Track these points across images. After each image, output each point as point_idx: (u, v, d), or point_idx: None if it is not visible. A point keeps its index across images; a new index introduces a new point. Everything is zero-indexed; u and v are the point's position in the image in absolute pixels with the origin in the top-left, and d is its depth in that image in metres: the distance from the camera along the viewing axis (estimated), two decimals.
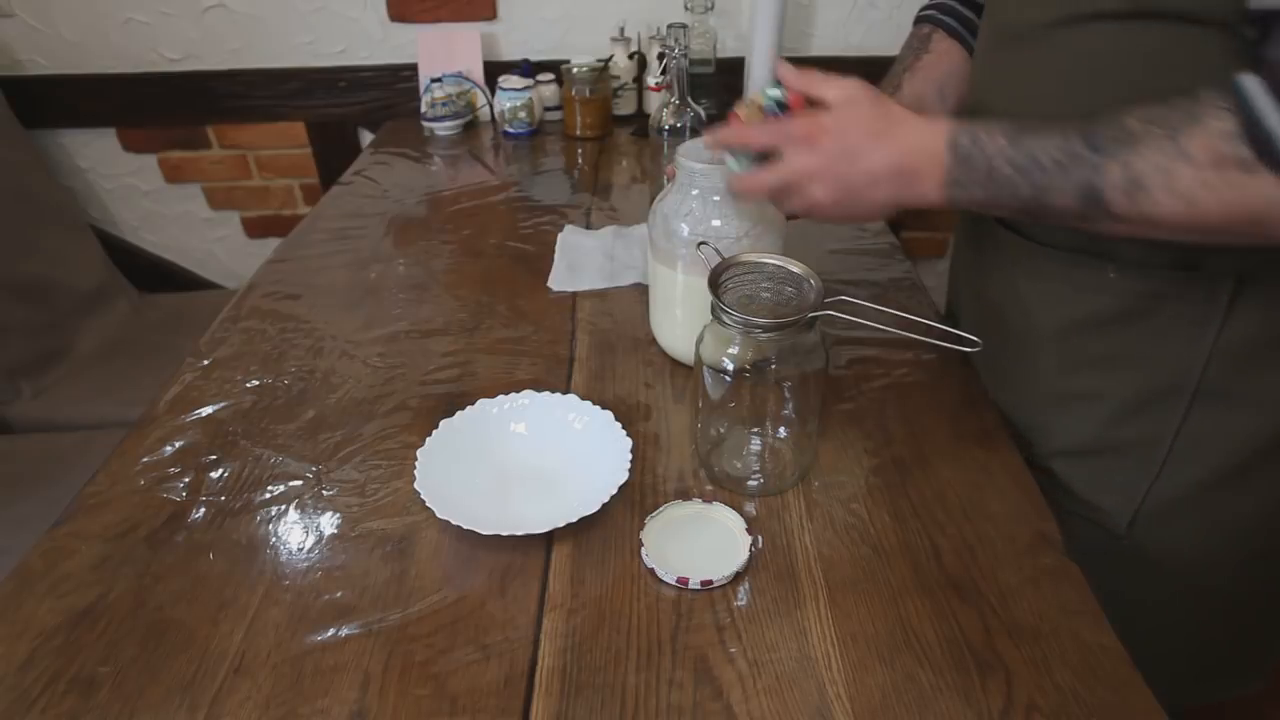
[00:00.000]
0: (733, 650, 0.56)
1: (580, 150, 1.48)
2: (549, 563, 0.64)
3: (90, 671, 0.56)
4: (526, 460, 0.73)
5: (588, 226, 1.18)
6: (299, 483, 0.72)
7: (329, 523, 0.68)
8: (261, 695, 0.54)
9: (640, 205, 1.24)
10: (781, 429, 0.73)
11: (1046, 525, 0.66)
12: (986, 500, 0.68)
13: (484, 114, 1.59)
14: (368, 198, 1.29)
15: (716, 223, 0.74)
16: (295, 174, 1.79)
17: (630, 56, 1.56)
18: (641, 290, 0.97)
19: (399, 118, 1.67)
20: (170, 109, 1.70)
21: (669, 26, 1.45)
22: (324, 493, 0.71)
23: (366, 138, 1.74)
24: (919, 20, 0.92)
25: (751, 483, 0.71)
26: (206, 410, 0.81)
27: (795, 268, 0.66)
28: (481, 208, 1.25)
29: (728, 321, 0.63)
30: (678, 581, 0.61)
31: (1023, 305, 0.74)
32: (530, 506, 0.68)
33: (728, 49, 1.64)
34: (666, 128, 1.08)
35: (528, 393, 0.77)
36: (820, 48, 1.66)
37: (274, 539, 0.66)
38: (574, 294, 1.00)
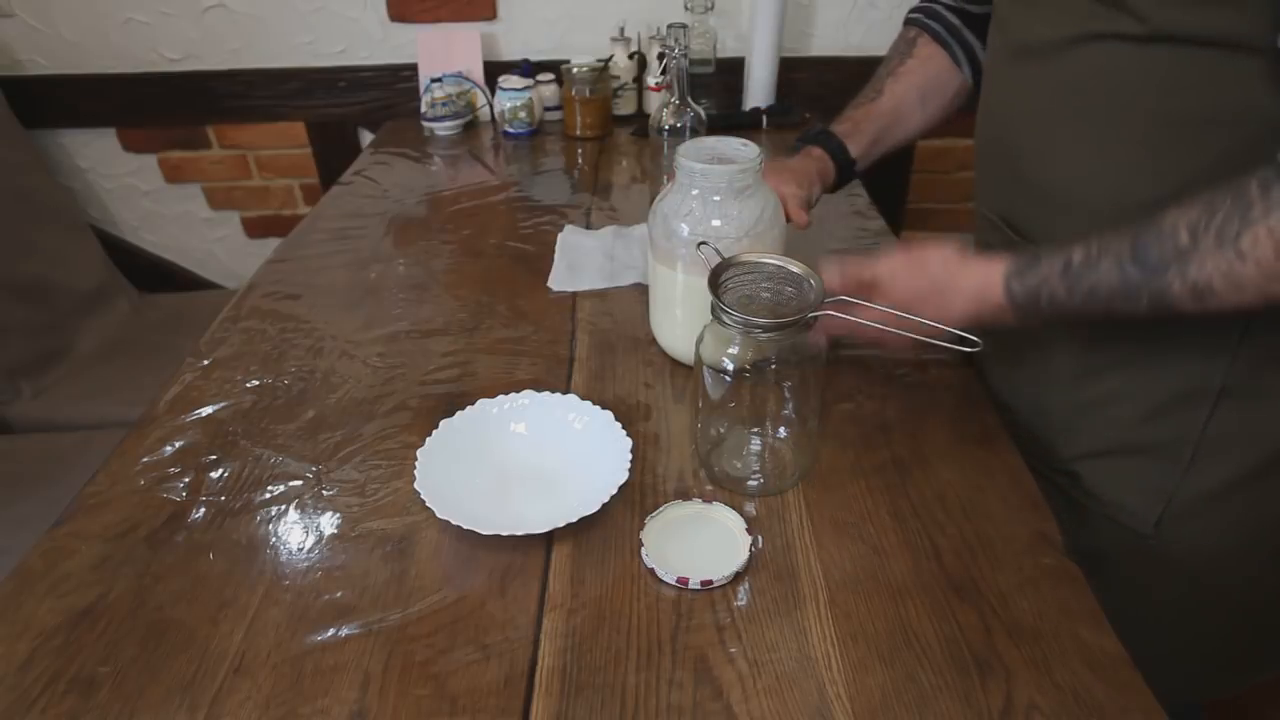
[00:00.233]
0: (733, 650, 0.56)
1: (580, 150, 1.48)
2: (549, 563, 0.64)
3: (90, 671, 0.56)
4: (526, 460, 0.73)
5: (588, 226, 1.18)
6: (299, 483, 0.72)
7: (329, 523, 0.68)
8: (261, 695, 0.54)
9: (640, 205, 1.24)
10: (781, 429, 0.73)
11: (1046, 525, 0.66)
12: (986, 500, 0.68)
13: (484, 114, 1.59)
14: (368, 198, 1.29)
15: (716, 223, 0.74)
16: (295, 174, 1.79)
17: (630, 56, 1.56)
18: (641, 290, 0.97)
19: (399, 118, 1.67)
20: (170, 109, 1.70)
21: (669, 26, 1.45)
22: (324, 493, 0.71)
23: (366, 138, 1.74)
24: (908, 21, 0.92)
25: (751, 483, 0.71)
26: (206, 410, 0.81)
27: (795, 268, 0.66)
28: (481, 208, 1.25)
29: (728, 321, 0.63)
30: (678, 581, 0.61)
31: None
32: (530, 506, 0.68)
33: (728, 49, 1.64)
34: (666, 128, 1.08)
35: (528, 393, 0.77)
36: (820, 48, 1.66)
37: (274, 539, 0.66)
38: (574, 294, 1.00)
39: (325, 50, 1.66)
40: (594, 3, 1.61)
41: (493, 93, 1.56)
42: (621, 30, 1.55)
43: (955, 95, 0.90)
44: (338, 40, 1.65)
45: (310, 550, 0.65)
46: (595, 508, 0.64)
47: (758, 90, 1.53)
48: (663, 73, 1.50)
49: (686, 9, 1.54)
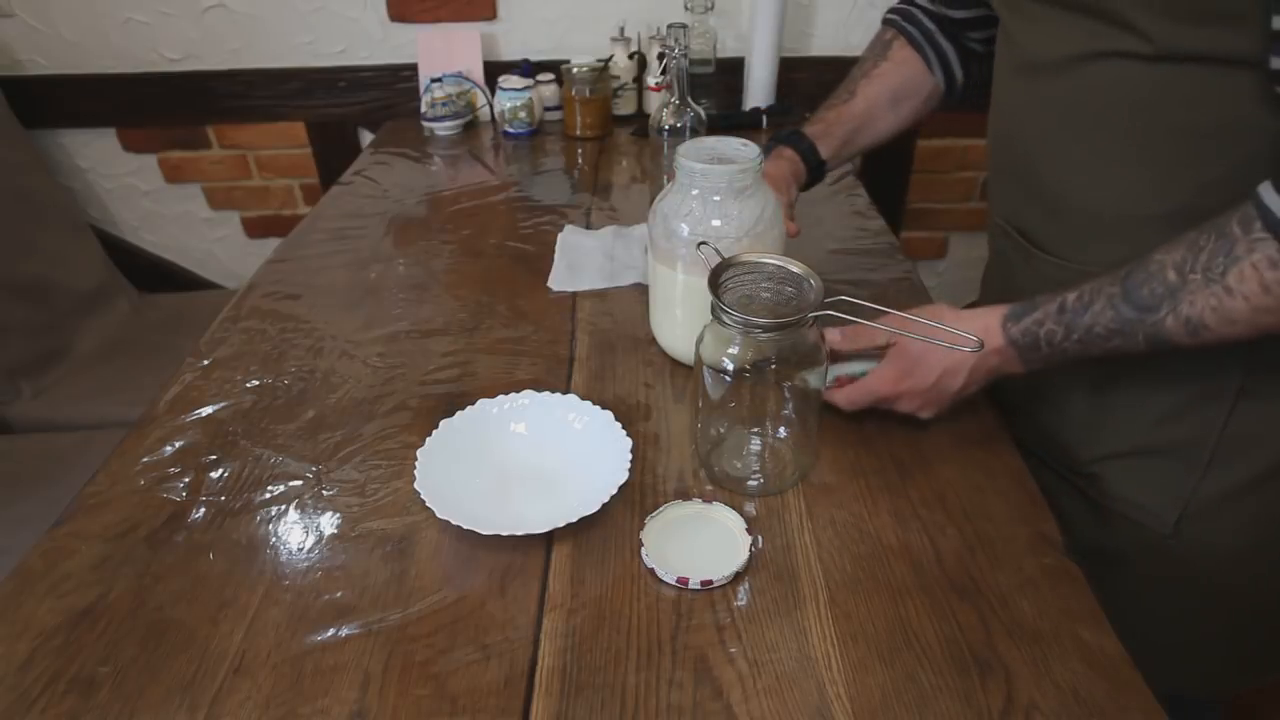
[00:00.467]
0: (733, 650, 0.56)
1: (580, 150, 1.48)
2: (549, 563, 0.64)
3: (90, 671, 0.56)
4: (526, 460, 0.73)
5: (588, 226, 1.18)
6: (299, 483, 0.72)
7: (329, 523, 0.68)
8: (261, 695, 0.54)
9: (640, 205, 1.24)
10: (781, 429, 0.73)
11: (1046, 525, 0.66)
12: (986, 500, 0.68)
13: (484, 114, 1.59)
14: (368, 198, 1.29)
15: (716, 223, 0.74)
16: (295, 174, 1.79)
17: (630, 56, 1.56)
18: (641, 290, 0.97)
19: (399, 118, 1.67)
20: (170, 109, 1.70)
21: (669, 26, 1.45)
22: (324, 493, 0.71)
23: (366, 138, 1.74)
24: (885, 22, 0.93)
25: (751, 483, 0.71)
26: (206, 410, 0.81)
27: (795, 268, 0.66)
28: (481, 208, 1.25)
29: (728, 321, 0.63)
30: (678, 581, 0.61)
31: None
32: (530, 506, 0.68)
33: (728, 49, 1.63)
34: (666, 128, 1.08)
35: (528, 393, 0.77)
36: (820, 48, 1.66)
37: (274, 539, 0.66)
38: (574, 294, 1.00)
39: (325, 50, 1.65)
40: (594, 3, 1.61)
41: (493, 93, 1.56)
42: (621, 30, 1.55)
43: (926, 99, 0.92)
44: (338, 40, 1.65)
45: (310, 550, 0.65)
46: (595, 508, 0.64)
47: (758, 90, 1.53)
48: (663, 73, 1.50)
49: (686, 9, 1.54)
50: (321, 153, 1.75)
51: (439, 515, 0.64)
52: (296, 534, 0.67)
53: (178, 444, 0.77)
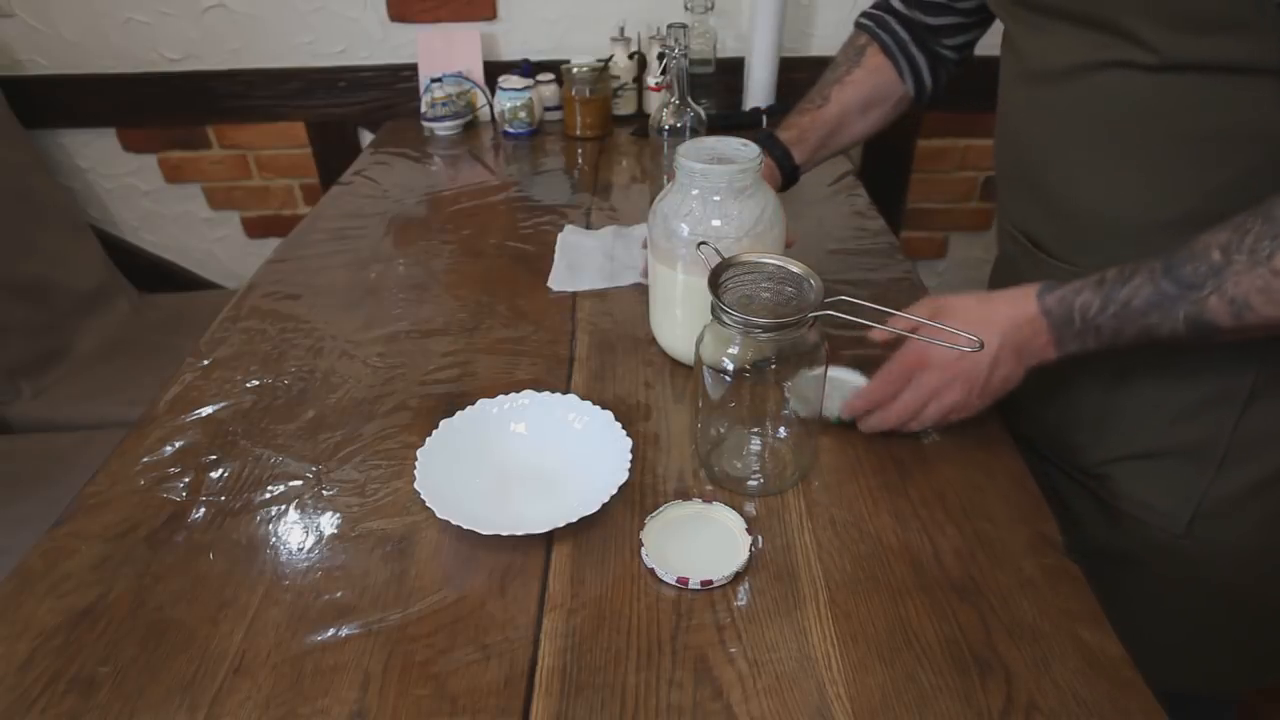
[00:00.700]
0: (733, 650, 0.56)
1: (580, 150, 1.48)
2: (549, 563, 0.64)
3: (90, 671, 0.56)
4: (526, 460, 0.73)
5: (588, 226, 1.18)
6: (299, 483, 0.72)
7: (329, 523, 0.68)
8: (261, 695, 0.54)
9: (640, 205, 1.24)
10: (781, 429, 0.73)
11: (1046, 525, 0.66)
12: (986, 500, 0.68)
13: (484, 114, 1.59)
14: (368, 198, 1.29)
15: (716, 223, 0.74)
16: (295, 174, 1.79)
17: (630, 56, 1.56)
18: (641, 290, 0.97)
19: (399, 118, 1.67)
20: (170, 109, 1.70)
21: (669, 26, 1.45)
22: (324, 493, 0.71)
23: (366, 138, 1.74)
24: (859, 26, 0.94)
25: (751, 483, 0.71)
26: (206, 410, 0.81)
27: (795, 268, 0.66)
28: (481, 208, 1.25)
29: (728, 321, 0.63)
30: (678, 581, 0.61)
31: None
32: (530, 506, 0.68)
33: (728, 49, 1.63)
34: (666, 128, 1.08)
35: (528, 393, 0.77)
36: (820, 48, 1.66)
37: (274, 539, 0.66)
38: (574, 294, 1.00)
39: (325, 50, 1.65)
40: (594, 3, 1.61)
41: (493, 93, 1.56)
42: (621, 30, 1.55)
43: (895, 105, 0.94)
44: (338, 40, 1.65)
45: (310, 550, 0.65)
46: (595, 508, 0.64)
47: (758, 90, 1.53)
48: (663, 73, 1.50)
49: (686, 9, 1.54)
50: (321, 153, 1.75)
51: (439, 515, 0.64)
52: (296, 534, 0.67)
53: (178, 444, 0.77)
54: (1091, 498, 0.77)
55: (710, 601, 0.60)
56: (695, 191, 0.75)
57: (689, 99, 1.07)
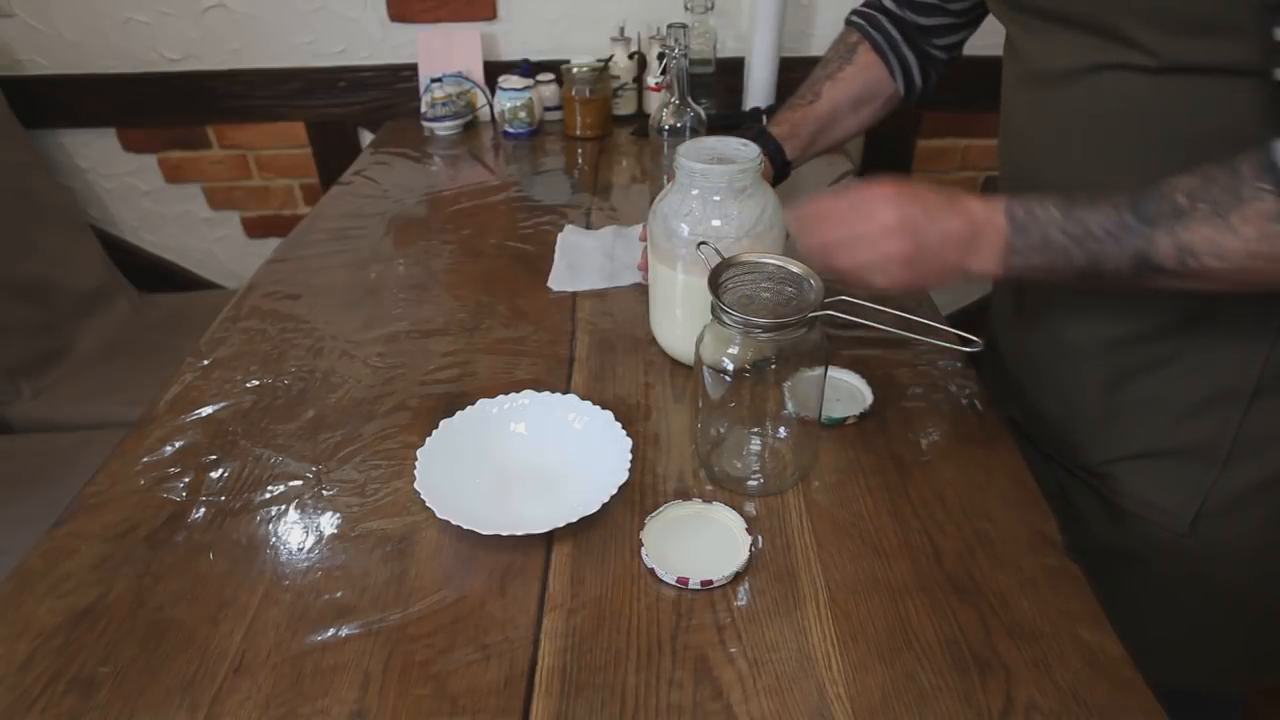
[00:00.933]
0: (733, 650, 0.56)
1: (580, 150, 1.48)
2: (549, 563, 0.64)
3: (90, 671, 0.56)
4: (526, 460, 0.73)
5: (588, 226, 1.18)
6: (299, 483, 0.72)
7: (329, 523, 0.68)
8: (261, 695, 0.54)
9: (640, 205, 1.24)
10: (781, 429, 0.73)
11: (1046, 525, 0.66)
12: (986, 500, 0.68)
13: (484, 114, 1.59)
14: (368, 198, 1.29)
15: (716, 223, 0.74)
16: (295, 174, 1.79)
17: (630, 56, 1.56)
18: (641, 290, 0.97)
19: (399, 118, 1.66)
20: (170, 109, 1.69)
21: (669, 26, 1.45)
22: (324, 493, 0.71)
23: (366, 138, 1.74)
24: (850, 24, 0.94)
25: (751, 483, 0.71)
26: (206, 410, 0.81)
27: (795, 268, 0.66)
28: (481, 208, 1.25)
29: (728, 321, 0.63)
30: (678, 581, 0.61)
31: (1068, 321, 0.75)
32: (530, 506, 0.68)
33: (728, 49, 1.63)
34: (666, 128, 1.08)
35: (528, 393, 0.77)
36: (820, 48, 1.65)
37: (274, 539, 0.66)
38: (574, 294, 1.00)
39: (325, 50, 1.65)
40: (594, 3, 1.61)
41: (493, 93, 1.56)
42: (621, 30, 1.55)
43: (885, 103, 0.94)
44: (338, 40, 1.65)
45: (310, 550, 0.65)
46: (595, 508, 0.64)
47: (758, 90, 1.53)
48: (663, 73, 1.50)
49: (686, 9, 1.54)
50: (321, 153, 1.75)
51: (439, 515, 0.64)
52: (296, 534, 0.67)
53: (178, 444, 0.77)
54: (1095, 496, 0.77)
55: (710, 601, 0.60)
56: (695, 191, 0.75)
57: (689, 99, 1.07)
